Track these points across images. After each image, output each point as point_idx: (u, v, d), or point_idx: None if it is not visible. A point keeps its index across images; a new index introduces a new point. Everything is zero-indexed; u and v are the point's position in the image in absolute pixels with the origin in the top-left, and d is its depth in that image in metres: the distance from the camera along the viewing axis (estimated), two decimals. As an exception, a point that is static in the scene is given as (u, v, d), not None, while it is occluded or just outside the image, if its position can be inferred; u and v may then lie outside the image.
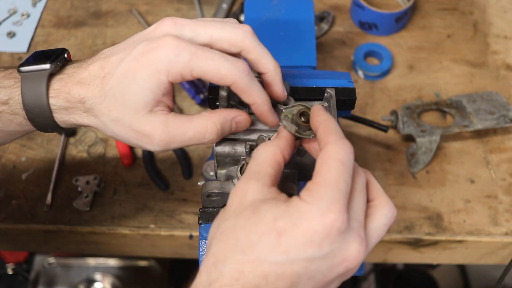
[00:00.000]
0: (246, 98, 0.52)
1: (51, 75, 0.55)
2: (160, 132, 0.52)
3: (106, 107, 0.53)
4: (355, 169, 0.46)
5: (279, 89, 0.54)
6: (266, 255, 0.42)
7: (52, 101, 0.54)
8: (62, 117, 0.56)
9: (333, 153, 0.44)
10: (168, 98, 0.53)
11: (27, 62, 0.56)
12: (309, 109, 0.52)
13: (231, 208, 0.45)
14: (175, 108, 0.93)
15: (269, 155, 0.47)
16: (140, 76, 0.50)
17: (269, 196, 0.44)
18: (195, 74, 0.50)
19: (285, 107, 0.54)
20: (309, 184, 0.44)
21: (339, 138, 0.45)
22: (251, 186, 0.45)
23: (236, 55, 0.54)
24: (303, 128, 0.51)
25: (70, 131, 0.90)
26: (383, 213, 0.46)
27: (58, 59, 0.56)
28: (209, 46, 0.52)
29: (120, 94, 0.52)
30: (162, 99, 0.52)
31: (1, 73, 0.58)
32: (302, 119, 0.51)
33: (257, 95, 0.52)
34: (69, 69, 0.55)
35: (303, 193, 0.43)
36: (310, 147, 0.51)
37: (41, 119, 0.56)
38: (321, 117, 0.48)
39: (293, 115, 0.52)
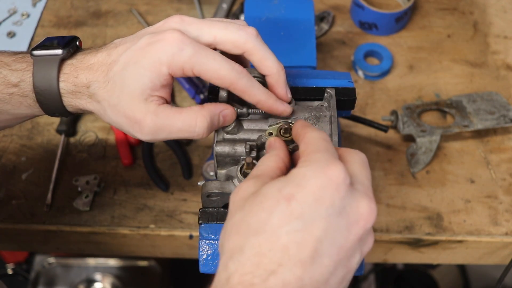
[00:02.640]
0: (248, 99, 0.53)
1: (62, 60, 0.56)
2: (149, 121, 0.53)
3: (107, 92, 0.54)
4: (346, 149, 0.48)
5: (282, 91, 0.55)
6: (281, 226, 0.40)
7: (61, 85, 0.56)
8: (69, 101, 0.57)
9: (313, 135, 0.47)
10: (166, 90, 0.54)
11: (40, 47, 0.57)
12: (289, 124, 0.54)
13: (234, 206, 0.45)
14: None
15: (271, 164, 0.48)
16: (142, 64, 0.52)
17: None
18: (196, 71, 0.51)
19: (269, 124, 0.56)
20: (300, 160, 0.45)
21: (315, 129, 0.49)
22: (251, 183, 0.45)
23: (240, 57, 0.55)
24: (286, 143, 0.52)
25: (71, 131, 0.90)
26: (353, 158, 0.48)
27: (70, 45, 0.57)
28: (212, 46, 0.53)
29: (121, 80, 0.53)
30: (160, 90, 0.53)
31: (12, 57, 0.59)
32: (284, 134, 0.53)
33: (257, 93, 0.53)
34: (79, 55, 0.57)
35: (298, 165, 0.44)
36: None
37: (50, 102, 0.57)
38: (298, 124, 0.51)
39: (276, 131, 0.54)
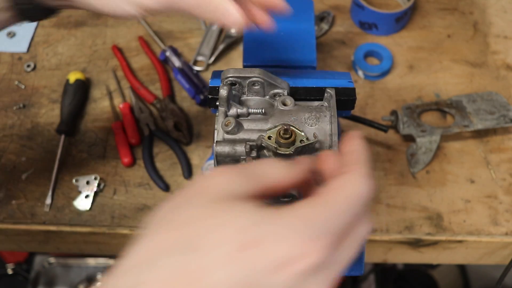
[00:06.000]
0: None
1: None
2: None
3: None
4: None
5: None
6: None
7: None
8: None
9: (353, 185, 0.38)
10: None
11: None
12: (289, 125, 0.54)
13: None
14: (175, 107, 0.93)
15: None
16: None
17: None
18: None
19: (268, 127, 0.55)
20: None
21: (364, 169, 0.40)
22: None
23: None
24: (283, 145, 0.52)
25: (71, 131, 0.90)
26: None
27: None
28: None
29: None
30: None
31: None
32: (284, 135, 0.53)
33: None
34: None
35: None
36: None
37: None
38: (354, 143, 0.44)
39: (276, 133, 0.54)
